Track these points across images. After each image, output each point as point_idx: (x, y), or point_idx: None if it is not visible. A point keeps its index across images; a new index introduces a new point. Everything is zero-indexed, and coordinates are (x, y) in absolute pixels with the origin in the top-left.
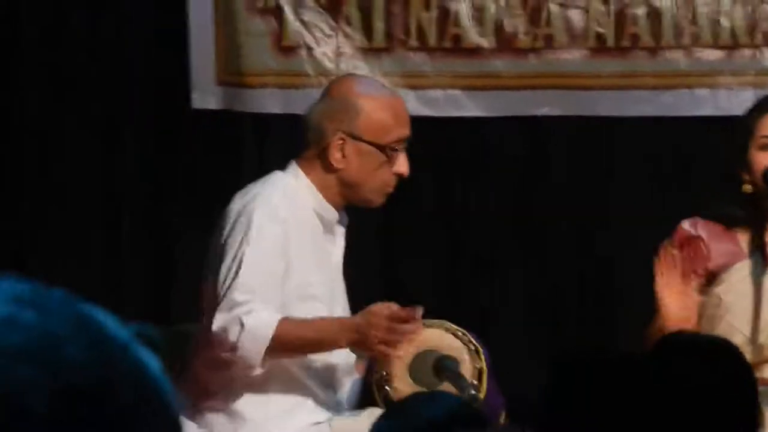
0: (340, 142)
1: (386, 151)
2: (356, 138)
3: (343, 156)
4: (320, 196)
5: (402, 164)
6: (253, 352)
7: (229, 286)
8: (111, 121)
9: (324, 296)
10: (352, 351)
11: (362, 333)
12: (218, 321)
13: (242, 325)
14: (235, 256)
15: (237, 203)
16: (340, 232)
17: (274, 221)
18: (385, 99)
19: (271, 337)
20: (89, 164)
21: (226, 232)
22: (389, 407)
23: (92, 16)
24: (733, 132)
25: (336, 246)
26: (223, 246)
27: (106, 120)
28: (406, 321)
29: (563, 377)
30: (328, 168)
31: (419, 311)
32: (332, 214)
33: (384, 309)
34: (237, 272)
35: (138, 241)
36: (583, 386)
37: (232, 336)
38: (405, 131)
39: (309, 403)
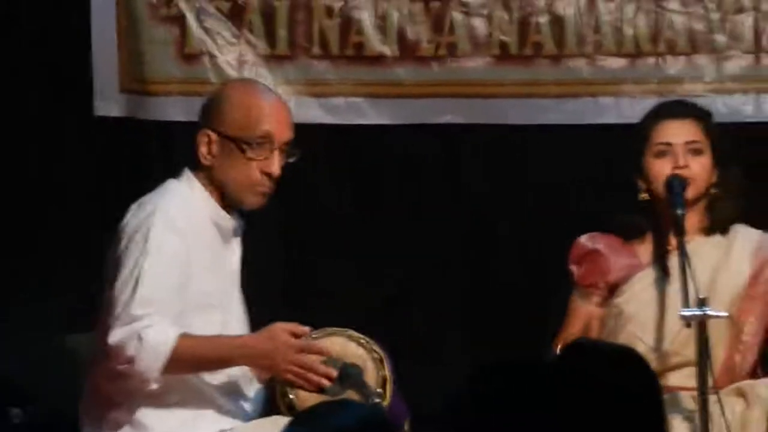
0: (205, 138)
1: (244, 145)
2: (219, 133)
3: (210, 152)
4: (215, 203)
5: (271, 164)
6: (150, 367)
7: (127, 300)
8: (17, 128)
9: (221, 305)
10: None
11: (271, 361)
12: (116, 334)
13: (140, 339)
14: (133, 269)
15: (133, 215)
16: (237, 239)
17: (172, 232)
18: (257, 97)
19: (168, 352)
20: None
21: (123, 245)
22: (297, 415)
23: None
24: (629, 140)
25: (233, 253)
26: (121, 258)
27: (13, 127)
28: (315, 353)
29: (473, 385)
30: (200, 166)
31: (327, 350)
32: (228, 222)
33: (294, 342)
34: (135, 285)
35: (48, 249)
36: (489, 393)
37: (130, 350)
38: (270, 128)
39: (211, 412)
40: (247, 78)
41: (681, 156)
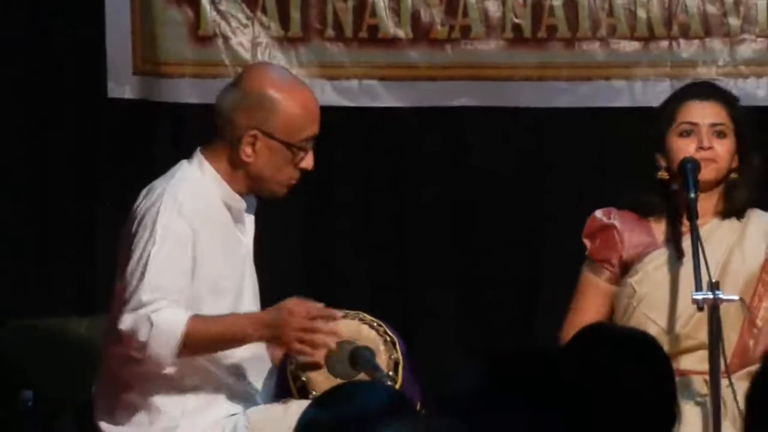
0: (252, 138)
1: (294, 149)
2: (269, 135)
3: (253, 151)
4: (226, 186)
5: (309, 160)
6: (163, 351)
7: (136, 286)
8: (31, 110)
9: (234, 288)
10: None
11: (279, 331)
12: (126, 321)
13: (151, 324)
14: (141, 256)
15: (143, 201)
16: (250, 219)
17: (179, 218)
18: (299, 96)
19: (181, 335)
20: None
21: (132, 232)
22: (319, 396)
23: (7, 4)
24: (652, 118)
25: (246, 234)
26: (130, 246)
27: (27, 109)
28: (323, 317)
29: (491, 370)
30: (237, 162)
31: (337, 313)
32: (240, 203)
33: (301, 308)
34: (143, 272)
35: (62, 234)
36: (500, 378)
37: (142, 335)
38: (316, 129)
39: (224, 395)
40: (273, 66)
41: (705, 137)
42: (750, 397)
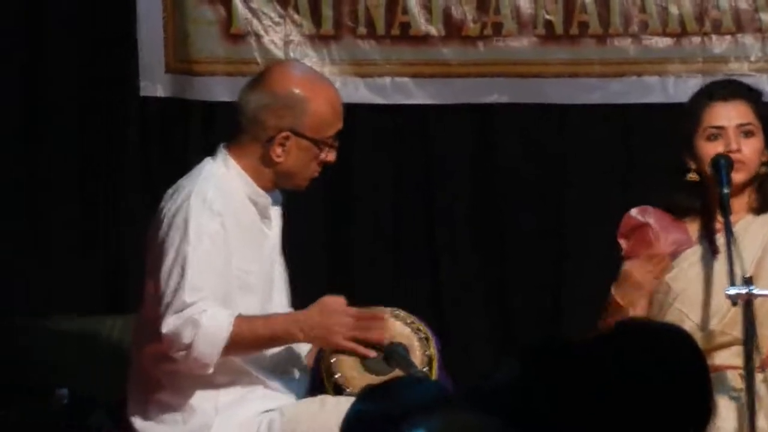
0: (284, 139)
1: (322, 145)
2: (300, 135)
3: (284, 151)
4: (252, 182)
5: (332, 155)
6: (208, 353)
7: (176, 287)
8: (63, 109)
9: (262, 284)
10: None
11: (326, 329)
12: (170, 323)
13: (197, 325)
14: (177, 257)
15: (170, 201)
16: (276, 212)
17: (210, 217)
18: (326, 94)
19: (226, 336)
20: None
21: (163, 232)
22: (370, 389)
23: (41, 5)
24: (679, 120)
25: (273, 227)
26: (162, 246)
27: (53, 106)
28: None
29: (529, 364)
30: (267, 161)
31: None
32: (265, 199)
33: (345, 308)
34: (183, 272)
35: (91, 231)
36: (545, 372)
37: (187, 337)
38: (341, 125)
39: (259, 391)
40: (296, 63)
41: (733, 139)
42: None
